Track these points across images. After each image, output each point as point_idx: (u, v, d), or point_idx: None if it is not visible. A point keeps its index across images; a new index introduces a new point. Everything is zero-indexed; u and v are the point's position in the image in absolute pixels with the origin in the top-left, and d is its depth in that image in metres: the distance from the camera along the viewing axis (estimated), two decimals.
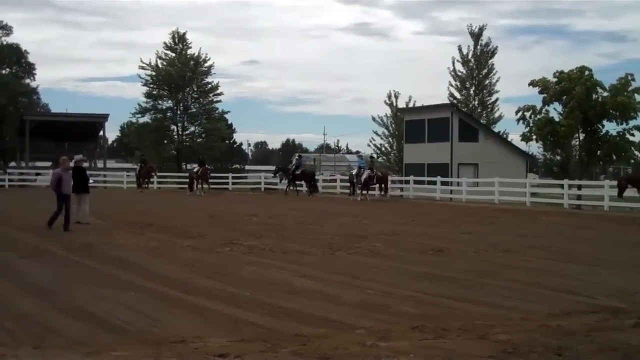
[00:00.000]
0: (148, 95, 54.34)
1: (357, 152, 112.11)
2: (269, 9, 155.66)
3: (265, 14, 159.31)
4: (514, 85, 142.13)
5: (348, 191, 35.60)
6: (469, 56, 56.99)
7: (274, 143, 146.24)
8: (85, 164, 21.10)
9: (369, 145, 62.50)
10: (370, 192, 34.08)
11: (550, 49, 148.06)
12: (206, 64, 54.73)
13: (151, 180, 41.60)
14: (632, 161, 41.01)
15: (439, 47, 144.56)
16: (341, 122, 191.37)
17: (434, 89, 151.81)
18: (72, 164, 18.71)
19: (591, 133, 39.39)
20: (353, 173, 34.35)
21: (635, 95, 37.05)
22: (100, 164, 55.53)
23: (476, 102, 57.42)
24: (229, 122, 63.18)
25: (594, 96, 39.03)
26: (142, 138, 54.80)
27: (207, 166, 39.57)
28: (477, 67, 56.92)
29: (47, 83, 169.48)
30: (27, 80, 58.63)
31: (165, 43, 54.55)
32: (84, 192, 18.82)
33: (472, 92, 57.39)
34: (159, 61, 54.08)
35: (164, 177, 48.47)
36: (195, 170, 39.14)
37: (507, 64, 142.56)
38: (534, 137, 42.00)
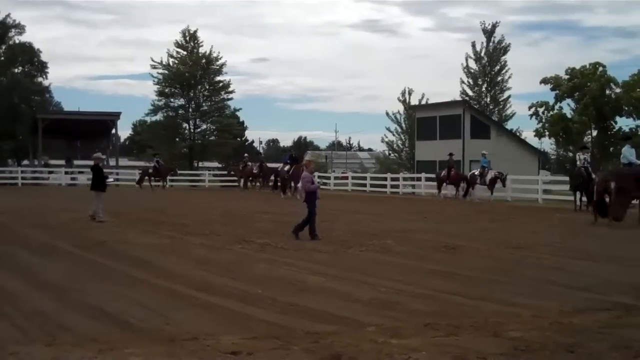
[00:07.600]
0: (160, 93, 54.50)
1: (369, 149, 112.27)
2: (278, 6, 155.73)
3: (275, 10, 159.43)
4: (523, 82, 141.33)
5: (436, 191, 34.73)
6: (482, 53, 56.79)
7: (286, 140, 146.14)
8: (101, 163, 21.25)
9: (382, 142, 62.63)
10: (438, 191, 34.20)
11: (560, 45, 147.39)
12: (218, 62, 54.81)
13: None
14: None
15: (447, 44, 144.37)
16: (352, 120, 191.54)
17: (443, 85, 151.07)
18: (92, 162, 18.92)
19: (604, 130, 39.22)
20: (475, 173, 32.16)
21: None
22: (112, 162, 55.71)
23: (488, 99, 57.23)
24: (241, 120, 63.32)
25: (608, 92, 38.86)
26: (154, 136, 55.06)
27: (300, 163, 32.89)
28: (489, 64, 56.71)
29: (58, 81, 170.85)
30: (40, 79, 58.82)
31: (176, 41, 54.68)
32: (101, 190, 19.01)
33: (484, 89, 57.20)
34: (171, 60, 54.23)
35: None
36: (286, 169, 32.25)
37: (516, 60, 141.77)
38: (547, 133, 41.87)
